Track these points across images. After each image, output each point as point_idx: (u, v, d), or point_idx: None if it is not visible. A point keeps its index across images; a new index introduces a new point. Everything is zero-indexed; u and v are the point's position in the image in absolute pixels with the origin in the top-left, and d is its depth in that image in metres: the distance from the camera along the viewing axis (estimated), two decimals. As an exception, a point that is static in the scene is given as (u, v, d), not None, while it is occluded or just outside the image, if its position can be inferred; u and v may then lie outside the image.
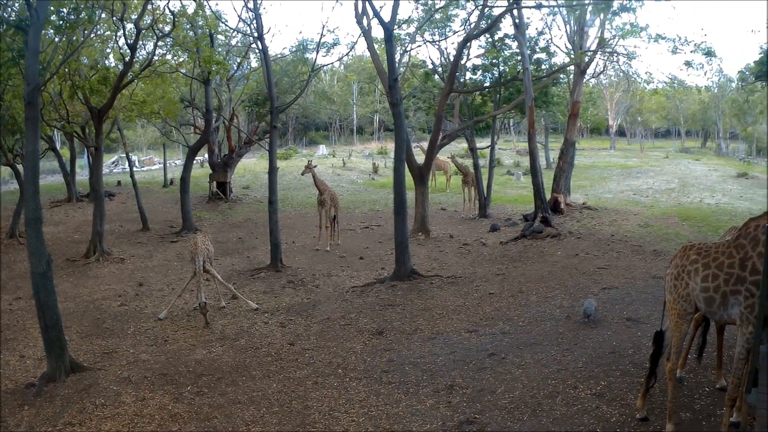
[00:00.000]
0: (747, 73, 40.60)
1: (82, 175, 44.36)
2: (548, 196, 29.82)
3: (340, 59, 73.50)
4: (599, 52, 35.04)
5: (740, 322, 8.02)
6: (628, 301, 16.24)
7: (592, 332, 14.05)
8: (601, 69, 45.72)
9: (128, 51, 23.52)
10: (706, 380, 11.26)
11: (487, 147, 35.77)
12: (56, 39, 22.25)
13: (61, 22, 21.08)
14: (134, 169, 36.23)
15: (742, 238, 8.16)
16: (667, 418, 9.33)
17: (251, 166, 52.18)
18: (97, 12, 21.95)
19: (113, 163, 61.60)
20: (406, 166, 22.28)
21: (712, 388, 10.86)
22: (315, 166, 26.10)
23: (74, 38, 22.75)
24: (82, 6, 20.52)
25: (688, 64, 33.29)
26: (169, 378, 12.71)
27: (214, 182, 38.39)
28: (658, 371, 9.85)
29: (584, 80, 37.43)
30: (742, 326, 7.99)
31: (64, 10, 20.83)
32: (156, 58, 25.92)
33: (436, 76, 34.95)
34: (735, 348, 8.29)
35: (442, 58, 34.31)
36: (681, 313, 8.95)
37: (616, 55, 35.94)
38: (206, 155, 42.16)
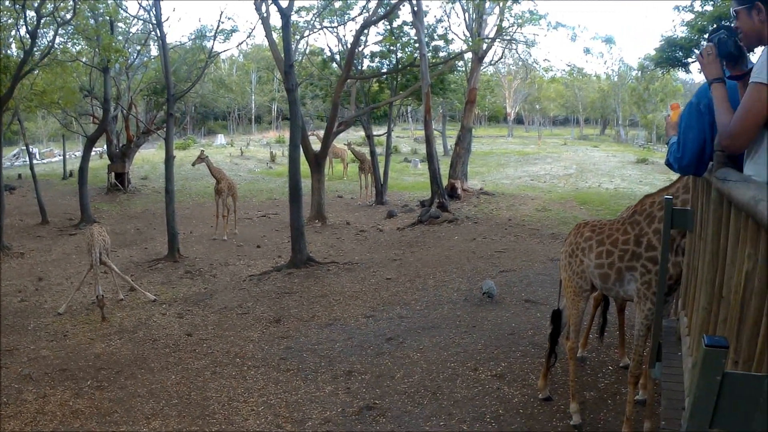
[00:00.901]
0: (647, 62, 41.27)
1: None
2: (445, 182, 29.85)
3: (238, 45, 73.03)
4: (498, 40, 35.24)
5: (638, 299, 7.97)
6: (526, 282, 16.27)
7: (491, 314, 13.99)
8: (499, 56, 46.08)
9: (29, 39, 22.80)
10: (609, 359, 11.33)
11: (384, 134, 35.72)
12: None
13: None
14: (34, 161, 35.16)
15: (637, 214, 8.12)
16: (570, 397, 9.28)
17: (150, 156, 51.29)
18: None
19: (14, 155, 60.04)
20: (301, 152, 22.06)
21: (615, 367, 10.92)
22: (207, 156, 25.55)
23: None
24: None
25: (587, 50, 33.86)
26: (70, 373, 12.24)
27: (113, 173, 37.47)
28: (558, 350, 9.83)
29: (482, 68, 37.64)
30: (640, 303, 7.93)
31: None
32: (57, 46, 25.28)
33: (334, 64, 34.70)
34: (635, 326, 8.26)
35: (340, 45, 34.18)
36: (577, 290, 8.91)
37: (514, 42, 36.20)
38: (105, 146, 41.24)
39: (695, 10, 27.92)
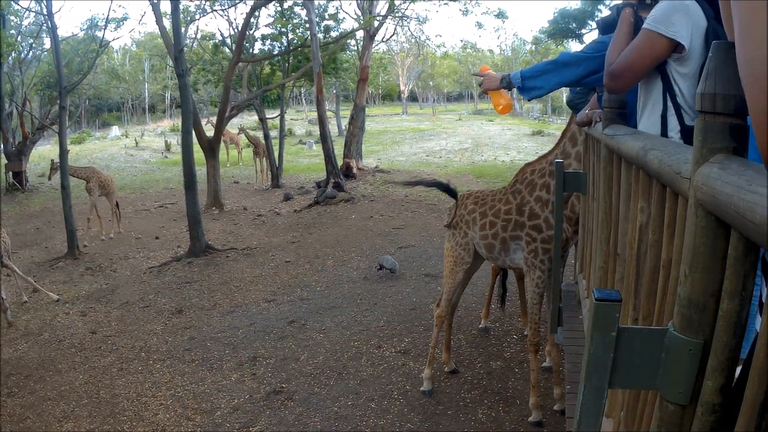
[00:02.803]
0: (541, 36, 41.88)
1: None
2: (341, 162, 29.81)
3: (130, 32, 71.89)
4: (389, 17, 35.25)
5: (527, 268, 8.08)
6: (425, 257, 16.39)
7: (391, 290, 14.08)
8: (391, 34, 46.15)
9: None
10: (514, 328, 11.51)
11: (277, 116, 35.49)
12: None
13: None
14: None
15: (519, 183, 8.25)
16: (427, 364, 9.57)
17: (46, 152, 49.75)
18: None
19: None
20: (195, 138, 21.78)
21: (520, 336, 11.11)
22: (58, 164, 24.26)
23: None
24: None
25: (479, 25, 34.12)
26: (-21, 383, 11.89)
27: (10, 172, 36.30)
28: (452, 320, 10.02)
29: (374, 45, 37.61)
30: (529, 272, 8.04)
31: None
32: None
33: (226, 48, 34.33)
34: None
35: (231, 29, 33.86)
36: (457, 260, 9.07)
37: (406, 19, 36.25)
38: (1, 145, 40.04)
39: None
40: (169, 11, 22.81)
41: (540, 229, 7.80)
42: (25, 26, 36.86)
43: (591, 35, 30.23)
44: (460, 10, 34.01)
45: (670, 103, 3.42)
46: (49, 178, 24.98)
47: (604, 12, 29.07)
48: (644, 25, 3.40)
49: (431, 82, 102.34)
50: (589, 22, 29.43)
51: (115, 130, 71.43)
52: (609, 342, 1.92)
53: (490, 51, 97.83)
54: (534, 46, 69.19)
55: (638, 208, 2.75)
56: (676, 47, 3.31)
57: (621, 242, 3.33)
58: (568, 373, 5.72)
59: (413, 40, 50.17)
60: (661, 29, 3.27)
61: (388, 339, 11.49)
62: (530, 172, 8.10)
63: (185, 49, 22.09)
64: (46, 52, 39.40)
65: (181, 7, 21.50)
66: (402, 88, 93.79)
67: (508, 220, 8.17)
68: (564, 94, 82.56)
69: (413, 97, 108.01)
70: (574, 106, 5.39)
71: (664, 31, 3.27)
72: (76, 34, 35.37)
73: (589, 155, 5.49)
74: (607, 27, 4.58)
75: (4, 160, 36.86)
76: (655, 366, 1.94)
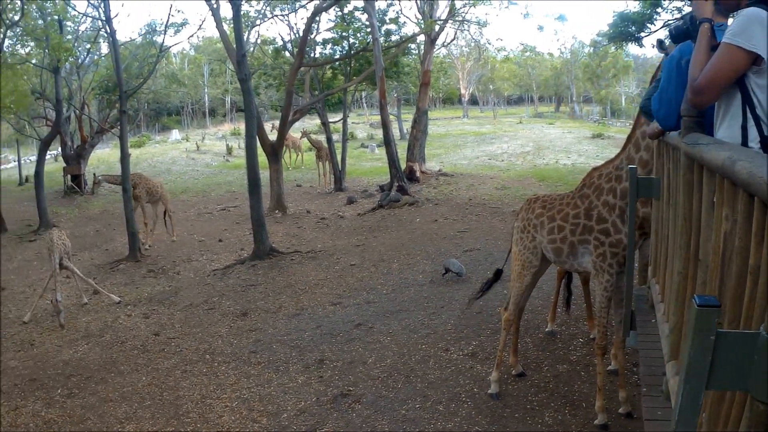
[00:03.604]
0: (599, 38, 41.64)
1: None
2: (403, 165, 29.83)
3: (189, 38, 72.16)
4: (450, 21, 35.23)
5: (595, 272, 8.07)
6: (490, 261, 16.30)
7: (458, 294, 14.07)
8: (452, 38, 46.12)
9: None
10: (579, 332, 11.49)
11: (340, 120, 35.61)
12: None
13: None
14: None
15: (586, 187, 8.26)
16: (494, 367, 9.60)
17: (105, 156, 50.43)
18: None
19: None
20: (258, 142, 21.94)
21: (585, 339, 11.08)
22: (101, 177, 24.45)
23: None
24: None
25: (540, 28, 34.01)
26: (39, 383, 11.94)
27: (69, 175, 36.66)
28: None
29: (435, 50, 37.62)
30: (597, 275, 8.03)
31: None
32: (6, 49, 24.88)
33: (287, 53, 34.48)
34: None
35: (292, 34, 33.97)
36: (525, 263, 9.17)
37: (466, 23, 36.22)
38: (60, 148, 40.45)
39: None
40: (228, 16, 23.04)
41: (608, 233, 7.81)
42: (82, 31, 37.31)
43: (650, 38, 30.00)
44: (521, 13, 33.97)
45: (749, 115, 3.47)
46: (92, 192, 24.96)
47: (663, 15, 28.85)
48: (723, 39, 3.45)
49: (491, 86, 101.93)
50: (648, 25, 29.16)
51: (175, 134, 71.94)
52: (708, 345, 2.00)
53: (550, 54, 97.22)
54: (593, 49, 68.69)
55: (722, 216, 2.80)
56: (755, 60, 3.35)
57: (703, 248, 3.36)
58: (644, 376, 5.72)
59: (473, 44, 50.04)
60: (740, 42, 3.32)
61: (455, 342, 11.52)
62: (597, 177, 8.11)
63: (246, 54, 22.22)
64: (103, 57, 39.75)
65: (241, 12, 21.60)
66: (462, 91, 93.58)
67: (576, 224, 8.20)
68: (623, 97, 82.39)
69: (474, 101, 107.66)
70: (649, 111, 5.39)
71: (744, 44, 3.31)
72: (134, 39, 35.61)
73: (662, 161, 5.49)
74: (679, 35, 4.60)
75: (63, 164, 37.35)
76: (747, 368, 2.01)
